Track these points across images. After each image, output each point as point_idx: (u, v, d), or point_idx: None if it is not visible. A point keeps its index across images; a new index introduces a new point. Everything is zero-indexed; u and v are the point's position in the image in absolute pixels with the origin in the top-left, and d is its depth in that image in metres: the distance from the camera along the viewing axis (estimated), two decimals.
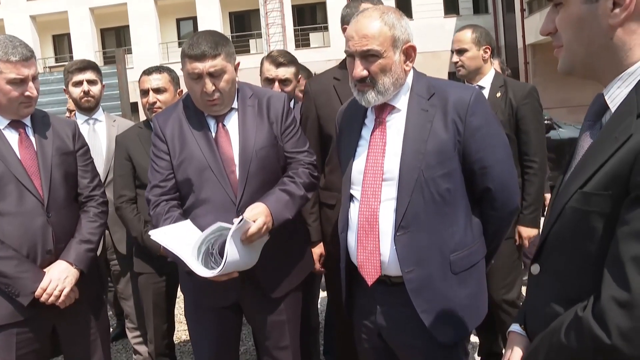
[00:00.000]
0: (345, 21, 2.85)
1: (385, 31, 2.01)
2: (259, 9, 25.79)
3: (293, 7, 25.60)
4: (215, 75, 2.31)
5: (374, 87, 2.05)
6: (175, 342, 4.00)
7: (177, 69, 3.38)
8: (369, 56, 2.02)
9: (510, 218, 2.22)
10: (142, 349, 3.82)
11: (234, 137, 2.43)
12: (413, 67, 2.17)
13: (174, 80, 3.39)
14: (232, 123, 2.45)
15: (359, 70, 2.04)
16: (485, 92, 3.46)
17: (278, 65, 3.55)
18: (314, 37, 26.16)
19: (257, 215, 2.22)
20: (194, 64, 2.30)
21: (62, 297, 2.43)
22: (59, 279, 2.42)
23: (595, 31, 1.20)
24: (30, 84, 2.42)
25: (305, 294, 2.84)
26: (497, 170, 2.10)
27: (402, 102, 2.12)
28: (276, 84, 3.54)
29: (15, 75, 2.37)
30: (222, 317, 2.52)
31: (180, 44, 26.76)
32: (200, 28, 24.85)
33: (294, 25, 25.77)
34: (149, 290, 3.34)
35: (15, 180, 2.40)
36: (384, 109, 2.13)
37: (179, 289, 3.47)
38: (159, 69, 3.37)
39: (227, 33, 25.80)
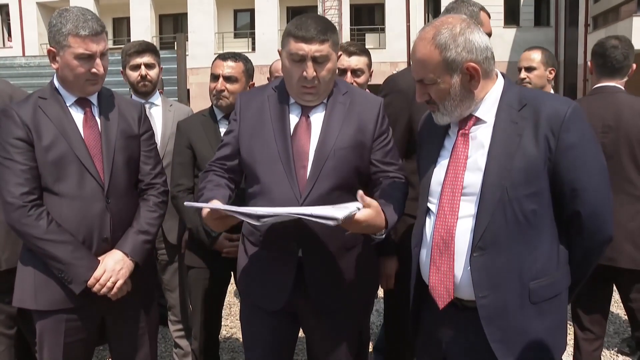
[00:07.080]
0: None
1: (435, 56, 1.87)
2: (316, 6, 25.77)
3: (351, 6, 25.53)
4: (319, 62, 2.19)
5: (438, 109, 1.96)
6: None
7: None
8: (425, 84, 1.94)
9: (601, 249, 2.02)
10: (184, 343, 3.74)
11: (315, 131, 2.28)
12: (504, 75, 2.01)
13: (248, 72, 3.22)
14: (317, 117, 2.30)
15: (419, 95, 1.99)
16: None
17: (350, 54, 3.34)
18: (370, 38, 26.02)
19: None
20: (300, 45, 2.17)
21: (114, 290, 2.35)
22: (113, 270, 2.34)
23: None
24: (98, 60, 2.32)
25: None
26: (589, 195, 1.91)
27: (488, 113, 1.95)
28: (348, 74, 3.34)
29: (83, 50, 2.27)
30: (276, 323, 2.37)
31: (236, 35, 26.99)
32: (258, 21, 25.06)
33: (351, 25, 25.68)
34: (199, 286, 3.22)
35: (77, 161, 2.32)
36: (466, 120, 1.97)
37: (228, 286, 3.39)
38: (235, 57, 3.20)
39: (284, 28, 25.83)
